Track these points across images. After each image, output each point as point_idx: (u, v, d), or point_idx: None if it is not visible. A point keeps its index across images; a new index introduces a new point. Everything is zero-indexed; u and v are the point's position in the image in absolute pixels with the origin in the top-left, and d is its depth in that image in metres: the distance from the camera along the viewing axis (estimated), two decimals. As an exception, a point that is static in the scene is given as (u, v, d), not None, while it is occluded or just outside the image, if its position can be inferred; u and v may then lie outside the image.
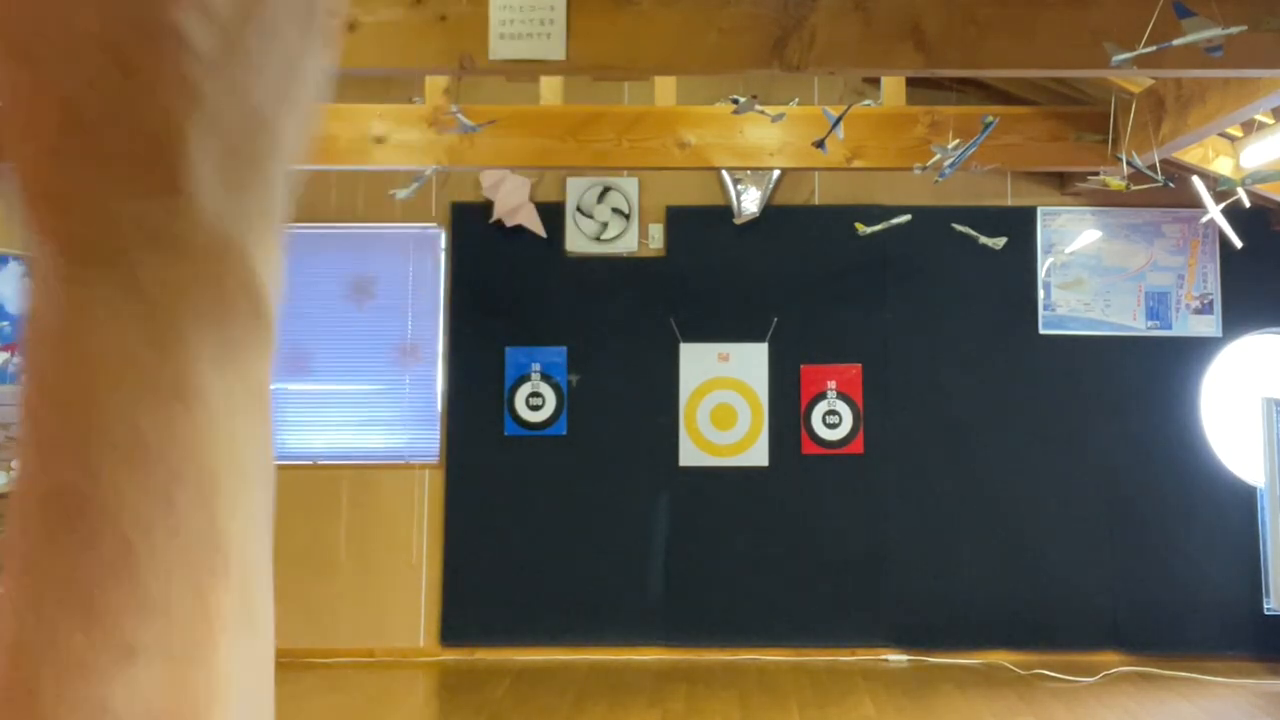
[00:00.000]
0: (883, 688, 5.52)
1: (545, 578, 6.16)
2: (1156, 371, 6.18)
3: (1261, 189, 5.51)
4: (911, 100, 5.20)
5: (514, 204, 6.24)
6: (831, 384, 6.20)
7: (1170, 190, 4.66)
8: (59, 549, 0.29)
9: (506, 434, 6.20)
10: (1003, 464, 6.17)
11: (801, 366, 6.22)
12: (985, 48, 3.33)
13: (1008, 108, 5.34)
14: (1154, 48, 2.78)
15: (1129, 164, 4.32)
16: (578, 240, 6.30)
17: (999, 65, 3.38)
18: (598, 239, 6.30)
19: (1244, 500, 6.05)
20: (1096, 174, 5.22)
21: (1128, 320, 6.22)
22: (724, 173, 6.12)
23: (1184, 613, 6.04)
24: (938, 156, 4.27)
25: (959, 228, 5.30)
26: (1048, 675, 5.73)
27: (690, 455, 6.20)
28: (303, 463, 6.23)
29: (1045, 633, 6.06)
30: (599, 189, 6.31)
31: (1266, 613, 5.92)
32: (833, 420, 6.19)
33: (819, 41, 3.34)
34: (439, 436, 6.28)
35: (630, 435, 6.20)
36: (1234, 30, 2.54)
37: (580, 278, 6.28)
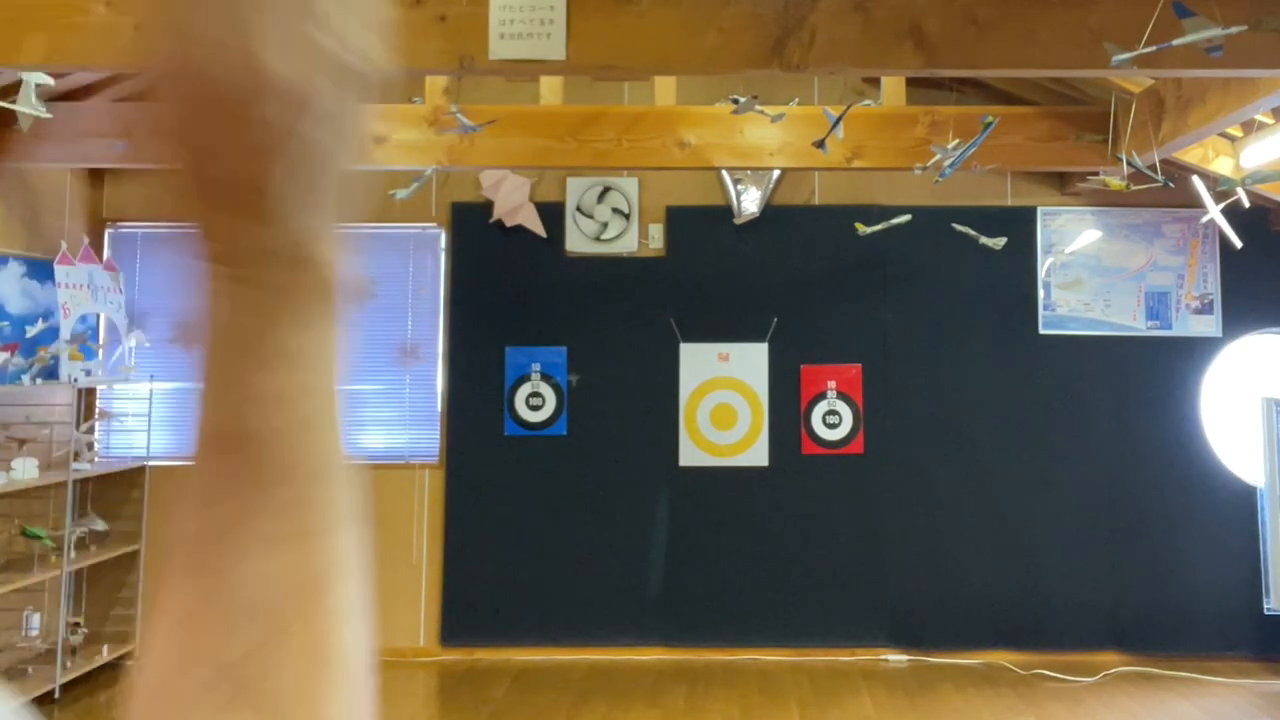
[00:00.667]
0: (883, 688, 5.52)
1: (545, 577, 6.16)
2: (1156, 371, 6.18)
3: (1261, 189, 5.51)
4: (911, 100, 5.20)
5: (514, 204, 6.24)
6: (831, 384, 6.20)
7: (1170, 190, 4.66)
8: (227, 470, 0.46)
9: (506, 434, 6.20)
10: (1003, 464, 6.17)
11: (801, 366, 6.22)
12: (985, 48, 3.33)
13: (1008, 108, 5.34)
14: (1154, 48, 2.78)
15: (1129, 164, 4.32)
16: (578, 240, 6.30)
17: (999, 65, 3.38)
18: (598, 239, 6.29)
19: (1244, 500, 6.05)
20: (1096, 174, 5.23)
21: (1128, 320, 6.21)
22: (724, 173, 6.12)
23: (1184, 613, 6.04)
24: (938, 156, 4.27)
25: (959, 228, 5.30)
26: (1048, 675, 5.73)
27: (690, 455, 6.19)
28: (303, 463, 6.22)
29: (1045, 633, 6.06)
30: (599, 189, 6.31)
31: (1266, 613, 5.92)
32: (833, 420, 6.19)
33: (819, 41, 3.34)
34: (439, 436, 6.28)
35: (630, 435, 6.20)
36: (1234, 30, 2.53)
37: (580, 278, 6.28)
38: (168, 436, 6.27)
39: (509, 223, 6.25)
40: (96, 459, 6.09)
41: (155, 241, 6.42)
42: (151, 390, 6.19)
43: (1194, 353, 6.19)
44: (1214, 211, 4.32)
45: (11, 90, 4.75)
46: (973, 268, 6.17)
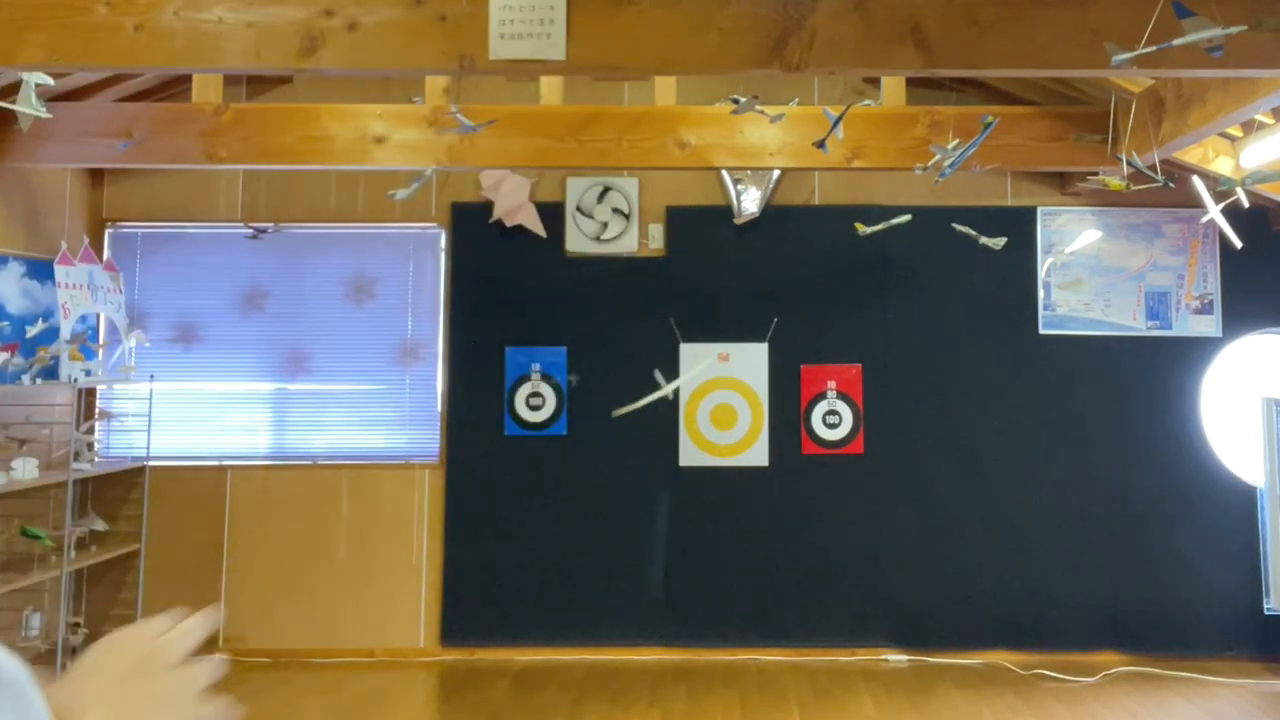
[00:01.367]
0: (883, 688, 5.52)
1: (545, 577, 6.16)
2: (1156, 371, 6.18)
3: (1261, 189, 5.51)
4: (911, 100, 5.20)
5: (514, 204, 6.24)
6: (831, 384, 6.20)
7: (1170, 190, 4.66)
8: None
9: (506, 434, 6.20)
10: (1003, 464, 6.17)
11: (801, 366, 6.22)
12: (985, 48, 3.33)
13: (1008, 108, 5.34)
14: (1154, 48, 2.78)
15: (1129, 164, 4.32)
16: (578, 240, 6.30)
17: (999, 65, 3.38)
18: (598, 239, 6.29)
19: (1244, 500, 6.05)
20: (1096, 174, 5.23)
21: (1128, 320, 6.22)
22: (724, 173, 6.12)
23: (1184, 613, 6.04)
24: (938, 157, 4.27)
25: (959, 228, 5.30)
26: (1048, 675, 5.73)
27: (690, 455, 6.20)
28: (303, 463, 6.23)
29: (1045, 633, 6.06)
30: (599, 189, 6.31)
31: (1266, 613, 5.92)
32: (833, 420, 6.19)
33: (819, 41, 3.34)
34: (439, 436, 6.28)
35: (630, 435, 6.20)
36: (1234, 30, 2.53)
37: (580, 278, 6.28)
38: (168, 436, 6.27)
39: (509, 223, 6.26)
40: (96, 459, 6.09)
41: (155, 241, 6.42)
42: (151, 390, 6.19)
43: (1194, 353, 6.19)
44: (1214, 211, 4.32)
45: (11, 90, 4.75)
46: (973, 268, 6.18)
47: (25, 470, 5.27)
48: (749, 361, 6.23)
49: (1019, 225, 6.20)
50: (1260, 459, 5.73)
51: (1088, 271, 6.24)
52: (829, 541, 6.15)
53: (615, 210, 6.30)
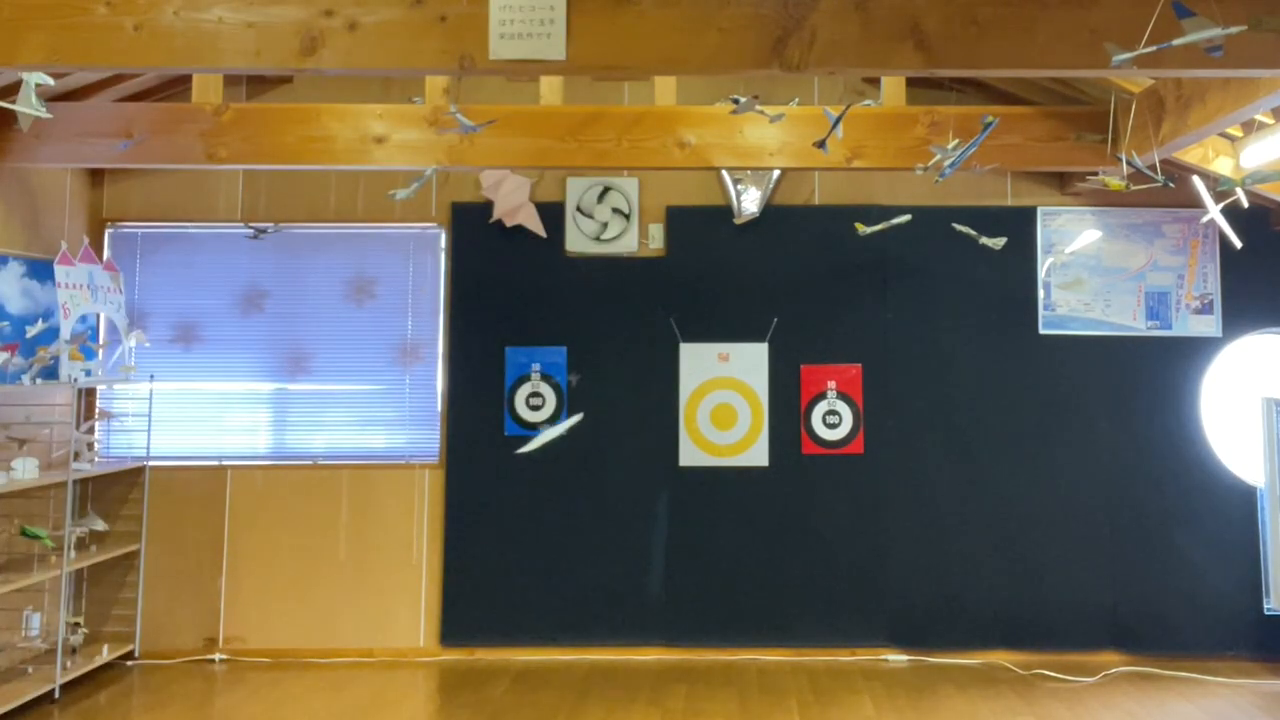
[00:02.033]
0: (883, 688, 5.52)
1: (545, 577, 6.16)
2: (1156, 371, 6.18)
3: (1261, 189, 5.52)
4: (911, 100, 5.21)
5: (514, 204, 6.25)
6: (831, 384, 6.20)
7: (1170, 190, 4.66)
8: None
9: (506, 434, 6.20)
10: (1003, 464, 6.17)
11: (801, 366, 6.22)
12: (985, 48, 3.33)
13: (1008, 108, 5.34)
14: (1154, 48, 2.78)
15: (1129, 164, 4.32)
16: (578, 240, 6.30)
17: (999, 65, 3.37)
18: (598, 239, 6.30)
19: (1244, 500, 6.06)
20: (1096, 174, 5.23)
21: (1128, 320, 6.22)
22: (724, 173, 6.12)
23: (1184, 613, 6.05)
24: (938, 157, 4.27)
25: (959, 228, 5.30)
26: (1048, 675, 5.73)
27: (690, 455, 6.20)
28: (303, 463, 6.24)
29: (1045, 633, 6.06)
30: (599, 189, 6.31)
31: (1266, 613, 5.92)
32: (833, 420, 6.19)
33: (819, 41, 3.34)
34: (439, 436, 6.28)
35: (630, 435, 6.20)
36: (1234, 30, 2.53)
37: (580, 278, 6.28)
38: (168, 436, 6.28)
39: (509, 223, 6.26)
40: (96, 459, 6.09)
41: (155, 241, 6.42)
42: (151, 390, 6.19)
43: (1194, 353, 6.19)
44: (1214, 211, 4.33)
45: (11, 90, 4.76)
46: (973, 268, 6.18)
47: (25, 470, 5.27)
48: (749, 361, 6.23)
49: (1019, 225, 6.21)
50: (1260, 459, 5.73)
51: (1088, 271, 6.24)
52: (829, 541, 6.16)
53: (615, 210, 6.31)
